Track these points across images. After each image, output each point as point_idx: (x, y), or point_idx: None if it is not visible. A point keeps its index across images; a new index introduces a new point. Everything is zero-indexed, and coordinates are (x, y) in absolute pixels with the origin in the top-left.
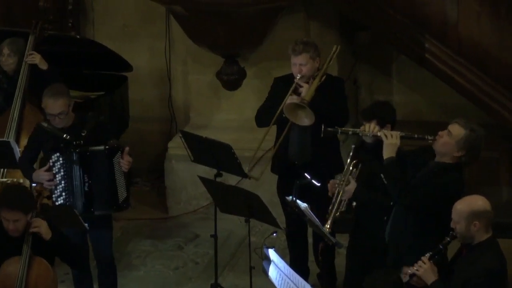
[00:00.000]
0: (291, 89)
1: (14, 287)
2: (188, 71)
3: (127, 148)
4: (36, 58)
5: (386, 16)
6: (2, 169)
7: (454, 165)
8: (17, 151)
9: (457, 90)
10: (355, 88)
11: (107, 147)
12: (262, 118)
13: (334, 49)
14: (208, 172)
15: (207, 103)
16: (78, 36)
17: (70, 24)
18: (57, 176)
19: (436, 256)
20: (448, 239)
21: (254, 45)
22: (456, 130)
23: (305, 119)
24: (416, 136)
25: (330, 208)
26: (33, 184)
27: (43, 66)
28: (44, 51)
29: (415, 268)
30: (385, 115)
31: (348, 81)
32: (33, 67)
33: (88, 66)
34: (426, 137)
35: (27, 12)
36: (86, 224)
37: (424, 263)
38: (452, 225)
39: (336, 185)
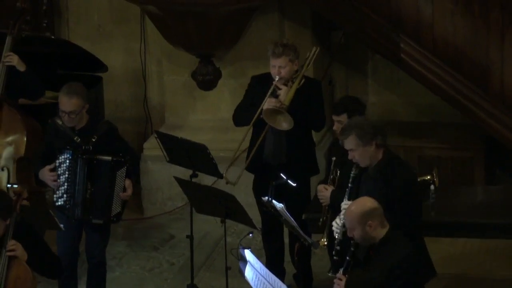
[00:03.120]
0: (270, 91)
1: None
2: (163, 71)
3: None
4: (14, 60)
5: (361, 16)
6: None
7: (386, 155)
8: None
9: (432, 89)
10: (330, 88)
11: (114, 159)
12: (241, 117)
13: (313, 51)
14: (184, 172)
15: (182, 104)
16: (52, 37)
17: (44, 25)
18: (61, 177)
19: (348, 268)
20: (352, 248)
21: (229, 45)
22: (350, 140)
23: (284, 124)
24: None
25: (321, 220)
26: (9, 185)
27: (21, 67)
28: (20, 51)
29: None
30: (354, 109)
31: (323, 81)
32: (10, 68)
33: (62, 66)
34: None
35: (3, 12)
36: (62, 225)
37: (341, 280)
38: (349, 234)
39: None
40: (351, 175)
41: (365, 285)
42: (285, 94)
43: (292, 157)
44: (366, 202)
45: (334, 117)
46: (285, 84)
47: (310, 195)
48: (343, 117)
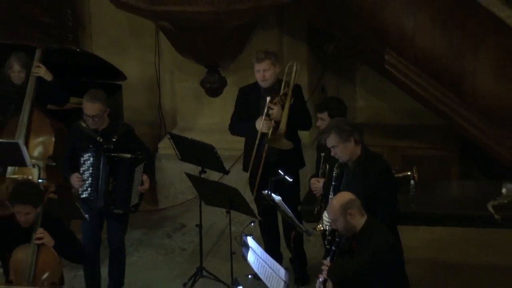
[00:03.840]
0: (264, 112)
1: (25, 270)
2: (175, 80)
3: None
4: (41, 71)
5: (350, 30)
6: (13, 167)
7: (364, 151)
8: (25, 151)
9: (413, 96)
10: (323, 95)
11: (133, 156)
12: (235, 131)
13: (294, 68)
14: (194, 169)
15: (192, 108)
16: (77, 49)
17: (70, 38)
18: (85, 173)
19: (334, 257)
20: (337, 239)
21: (233, 56)
22: (331, 138)
23: (283, 146)
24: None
25: (316, 209)
26: (40, 180)
27: (48, 77)
28: (48, 62)
29: (322, 274)
30: (335, 108)
31: (317, 88)
32: (39, 78)
33: (86, 75)
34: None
35: (33, 27)
36: (86, 216)
37: (327, 266)
38: (333, 226)
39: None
40: (334, 174)
41: (347, 272)
42: (278, 113)
43: (283, 154)
44: (345, 195)
45: (318, 114)
46: (274, 103)
47: (300, 187)
48: (325, 115)
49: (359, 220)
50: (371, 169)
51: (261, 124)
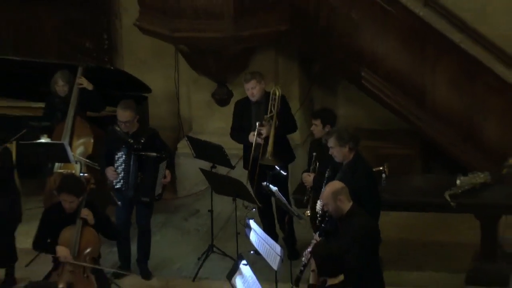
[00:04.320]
0: (256, 133)
1: (70, 247)
2: (191, 92)
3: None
4: (84, 82)
5: (333, 53)
6: (59, 163)
7: (356, 156)
8: (69, 150)
9: (384, 105)
10: (311, 105)
11: (157, 155)
12: (235, 138)
13: (277, 94)
14: (206, 165)
15: (204, 116)
16: (112, 67)
17: (106, 59)
18: (118, 168)
19: (323, 233)
20: (327, 219)
21: (238, 73)
22: (332, 140)
23: (270, 162)
24: None
25: (305, 198)
26: (81, 174)
27: (90, 87)
28: (88, 78)
29: (311, 245)
30: (326, 116)
31: (306, 100)
32: (81, 90)
33: (118, 89)
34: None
35: (76, 50)
36: (119, 203)
37: (316, 240)
38: (325, 208)
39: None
40: (326, 175)
41: (329, 251)
42: (267, 131)
43: (275, 153)
44: (336, 184)
45: (313, 121)
46: (263, 125)
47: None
48: (318, 122)
49: (346, 205)
50: (359, 171)
51: (253, 140)
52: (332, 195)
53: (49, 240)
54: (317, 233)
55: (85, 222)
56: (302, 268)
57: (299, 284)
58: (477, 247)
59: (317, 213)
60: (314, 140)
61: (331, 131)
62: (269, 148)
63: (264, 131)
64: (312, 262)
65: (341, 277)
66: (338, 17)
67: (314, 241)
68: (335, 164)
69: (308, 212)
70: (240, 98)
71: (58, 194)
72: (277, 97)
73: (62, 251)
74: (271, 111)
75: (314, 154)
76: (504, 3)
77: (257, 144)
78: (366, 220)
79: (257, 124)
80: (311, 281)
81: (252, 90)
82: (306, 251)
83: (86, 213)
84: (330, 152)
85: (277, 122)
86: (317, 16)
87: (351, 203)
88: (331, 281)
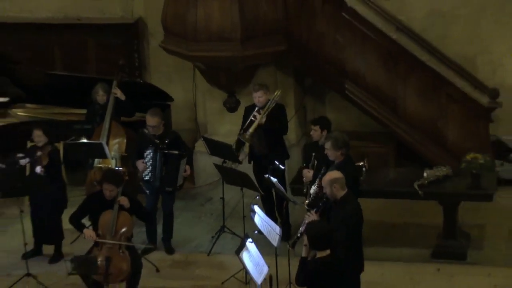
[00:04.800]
0: (251, 116)
1: (109, 227)
2: (206, 101)
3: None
4: (118, 93)
5: (322, 69)
6: (98, 159)
7: (346, 158)
8: (106, 148)
9: (364, 112)
10: (304, 111)
11: (179, 153)
12: None
13: (276, 93)
14: (218, 160)
15: (217, 120)
16: (141, 81)
17: (136, 74)
18: (147, 163)
19: (319, 210)
20: (324, 199)
21: (244, 85)
22: (328, 144)
23: (246, 140)
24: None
25: (305, 190)
26: (116, 168)
27: (122, 97)
28: (122, 89)
29: (308, 218)
30: (323, 123)
31: (300, 107)
32: (116, 99)
33: (146, 98)
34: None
35: (112, 66)
36: (148, 191)
37: (312, 214)
38: (324, 191)
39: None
40: (322, 172)
41: (323, 228)
42: (260, 118)
43: (272, 150)
44: (335, 174)
45: (312, 126)
46: (259, 113)
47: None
48: (317, 127)
49: (340, 193)
50: (345, 169)
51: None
52: (329, 182)
53: (88, 224)
54: (314, 210)
55: (121, 207)
56: (298, 235)
57: (294, 246)
58: (440, 228)
59: (311, 196)
60: (311, 142)
61: (328, 136)
62: (251, 130)
63: (258, 117)
64: (305, 237)
65: (328, 251)
66: (326, 40)
67: (310, 214)
68: (328, 161)
69: (307, 201)
70: (247, 105)
71: (100, 184)
72: (275, 96)
73: (87, 232)
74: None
75: (314, 154)
76: (461, 30)
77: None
78: (355, 206)
79: (257, 106)
80: (303, 254)
81: (259, 98)
82: (304, 221)
83: (123, 199)
84: (325, 152)
85: (268, 113)
86: (308, 39)
87: (345, 191)
88: (319, 254)
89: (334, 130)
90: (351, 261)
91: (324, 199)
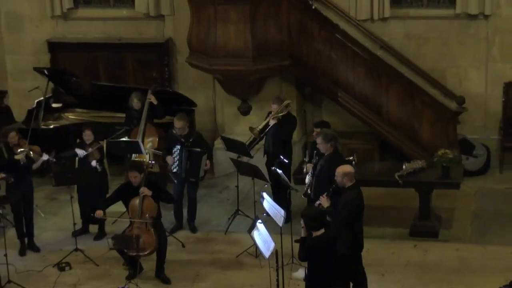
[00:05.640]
0: (266, 120)
1: (136, 209)
2: (224, 107)
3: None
4: (152, 99)
5: (319, 80)
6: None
7: (334, 150)
8: (142, 145)
9: (353, 115)
10: (304, 114)
11: (201, 150)
12: None
13: (285, 103)
14: (233, 155)
15: (233, 122)
16: (170, 90)
17: (166, 84)
18: (175, 158)
19: (330, 195)
20: (334, 185)
21: (255, 94)
22: (319, 138)
23: (254, 133)
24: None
25: (306, 182)
26: (150, 162)
27: (155, 102)
28: (155, 97)
29: (319, 201)
30: (324, 126)
31: (301, 111)
32: (151, 104)
33: (175, 104)
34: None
35: (146, 78)
36: (175, 181)
37: (323, 197)
38: (335, 179)
39: (305, 168)
40: (314, 162)
41: (316, 212)
42: (268, 119)
43: (277, 149)
44: (347, 167)
45: (315, 129)
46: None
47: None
48: (319, 129)
49: (349, 183)
50: (334, 162)
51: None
52: (342, 174)
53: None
54: (325, 194)
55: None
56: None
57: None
58: (416, 211)
59: (308, 185)
60: (314, 141)
61: (320, 132)
62: (260, 127)
63: (271, 121)
64: (302, 220)
65: (322, 230)
66: (322, 56)
67: (322, 197)
68: (320, 154)
69: (309, 191)
70: (257, 110)
71: (128, 172)
72: (284, 104)
73: (98, 212)
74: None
75: (315, 151)
76: (432, 49)
77: (267, 139)
78: (357, 195)
79: (272, 112)
80: (302, 235)
81: (274, 109)
82: (316, 203)
83: (143, 190)
84: (317, 146)
85: (278, 117)
86: (308, 56)
87: (353, 182)
88: (315, 233)
89: (329, 131)
90: (352, 240)
91: (334, 186)
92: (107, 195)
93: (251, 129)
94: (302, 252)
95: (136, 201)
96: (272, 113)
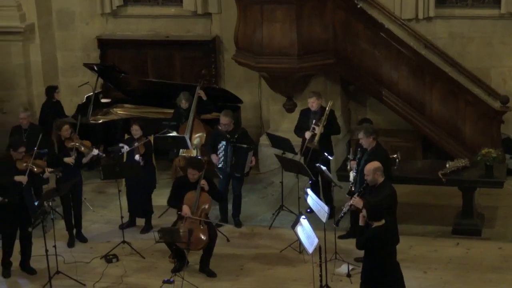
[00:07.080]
0: (311, 128)
1: (192, 204)
2: (269, 104)
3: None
4: (202, 94)
5: (363, 78)
6: (182, 149)
7: (377, 144)
8: (189, 141)
9: (397, 113)
10: (348, 113)
11: (246, 146)
12: (297, 135)
13: (329, 104)
14: (278, 152)
15: (278, 119)
16: (217, 87)
17: (213, 80)
18: (220, 154)
19: (361, 194)
20: (364, 185)
21: (300, 91)
22: (361, 133)
23: (314, 146)
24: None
25: (351, 180)
26: (199, 157)
27: (204, 97)
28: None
29: (351, 201)
30: (367, 123)
31: (345, 109)
32: (200, 98)
33: (222, 101)
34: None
35: (193, 75)
36: (221, 176)
37: (356, 198)
38: (365, 178)
39: (349, 165)
40: (358, 157)
41: (380, 203)
42: (319, 131)
43: (321, 147)
44: (376, 164)
45: (308, 99)
46: (318, 125)
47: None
48: (313, 98)
49: (380, 179)
50: (378, 154)
51: (308, 136)
52: (373, 170)
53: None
54: (357, 193)
55: (202, 188)
56: (342, 214)
57: (338, 224)
58: (459, 209)
59: (353, 182)
60: (358, 139)
61: (359, 128)
62: (316, 138)
63: (317, 130)
64: (364, 210)
65: (383, 221)
66: (366, 55)
67: (354, 198)
68: (363, 150)
69: (353, 188)
70: (302, 107)
71: (185, 169)
72: (329, 106)
73: (185, 209)
74: (324, 121)
75: (359, 149)
76: (476, 48)
77: (310, 138)
78: (391, 192)
79: (313, 123)
80: (360, 223)
81: (313, 103)
82: (347, 203)
83: (204, 183)
84: (360, 141)
85: (325, 124)
86: (352, 54)
87: (383, 178)
88: (376, 224)
89: (370, 126)
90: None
91: (365, 185)
92: (156, 190)
93: (312, 144)
94: (362, 241)
95: (193, 194)
96: (311, 108)
